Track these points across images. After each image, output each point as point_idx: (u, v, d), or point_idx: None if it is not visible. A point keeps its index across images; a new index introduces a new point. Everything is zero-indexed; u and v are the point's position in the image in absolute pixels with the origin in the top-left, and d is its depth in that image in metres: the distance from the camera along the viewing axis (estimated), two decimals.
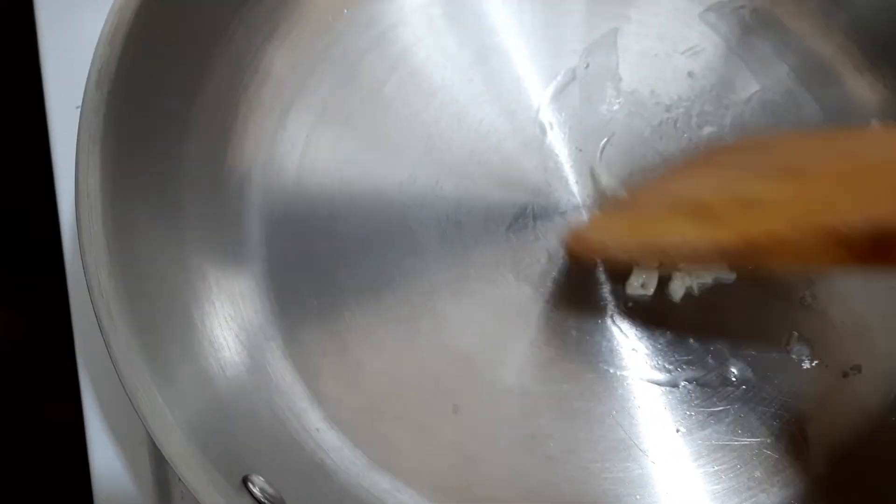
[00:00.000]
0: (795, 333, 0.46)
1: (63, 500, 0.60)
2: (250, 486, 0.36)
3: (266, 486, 0.37)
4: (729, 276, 0.47)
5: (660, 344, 0.46)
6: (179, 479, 0.44)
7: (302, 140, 0.49)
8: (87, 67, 0.38)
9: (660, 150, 0.49)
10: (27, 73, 0.53)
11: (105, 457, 0.46)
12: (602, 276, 0.47)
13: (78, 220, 0.37)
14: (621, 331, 0.46)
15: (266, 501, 0.36)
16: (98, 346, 0.45)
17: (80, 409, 0.47)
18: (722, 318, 0.47)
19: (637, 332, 0.46)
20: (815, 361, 0.46)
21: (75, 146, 0.37)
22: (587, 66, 0.51)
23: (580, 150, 0.49)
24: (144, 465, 0.46)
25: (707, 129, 0.50)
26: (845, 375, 0.46)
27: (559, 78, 0.51)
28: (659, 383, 0.46)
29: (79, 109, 0.38)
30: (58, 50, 0.51)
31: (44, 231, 0.54)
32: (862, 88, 0.50)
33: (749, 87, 0.51)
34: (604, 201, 0.48)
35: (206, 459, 0.36)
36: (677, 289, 0.46)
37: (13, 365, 0.80)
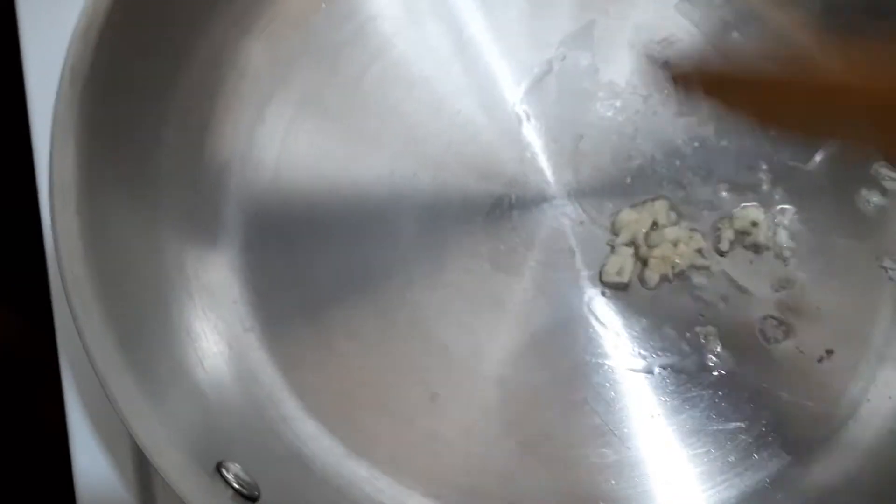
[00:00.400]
0: (770, 319, 0.47)
1: (45, 495, 0.60)
2: (224, 472, 0.37)
3: (241, 473, 0.37)
4: (704, 263, 0.47)
5: (635, 331, 0.47)
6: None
7: (280, 133, 0.49)
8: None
9: (636, 140, 0.50)
10: (8, 68, 0.53)
11: (87, 450, 0.46)
12: (578, 264, 0.47)
13: (52, 212, 0.37)
14: (597, 318, 0.47)
15: (239, 487, 0.37)
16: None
17: (63, 404, 0.48)
18: (697, 305, 0.47)
19: (613, 320, 0.47)
20: (790, 346, 0.46)
21: (49, 143, 0.38)
22: (564, 57, 0.51)
23: (556, 141, 0.50)
24: (126, 459, 0.46)
25: (683, 118, 0.50)
26: (820, 360, 0.46)
27: (536, 70, 0.51)
28: (635, 370, 0.46)
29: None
30: (39, 45, 0.52)
31: (27, 229, 0.54)
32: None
33: None
34: None
35: (181, 447, 0.36)
36: (652, 276, 0.47)
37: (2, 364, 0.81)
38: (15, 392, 0.81)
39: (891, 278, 0.47)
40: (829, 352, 0.46)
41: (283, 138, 0.49)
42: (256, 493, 0.38)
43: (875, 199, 0.49)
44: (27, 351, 0.81)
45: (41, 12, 0.52)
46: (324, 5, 0.51)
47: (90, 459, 0.46)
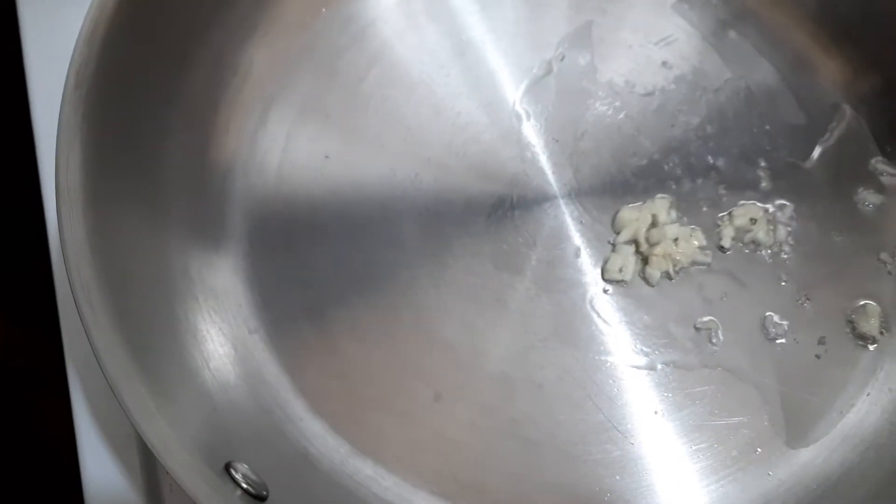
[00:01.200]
0: (771, 315, 0.47)
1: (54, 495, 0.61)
2: (232, 472, 0.37)
3: (249, 473, 0.38)
4: (704, 260, 0.48)
5: (638, 328, 0.47)
6: (168, 473, 0.46)
7: (283, 137, 0.50)
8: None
9: (636, 138, 0.50)
10: (11, 78, 0.53)
11: (94, 454, 0.47)
12: (580, 263, 0.48)
13: (59, 216, 0.37)
14: (600, 316, 0.47)
15: (248, 487, 0.37)
16: (86, 344, 0.47)
17: (70, 410, 0.48)
18: (697, 302, 0.47)
19: (615, 317, 0.47)
20: (791, 342, 0.47)
21: (55, 147, 0.38)
22: (562, 58, 0.52)
23: (557, 141, 0.50)
24: (134, 461, 0.47)
25: (682, 116, 0.51)
26: (819, 355, 0.47)
27: (535, 70, 0.52)
28: (637, 366, 0.46)
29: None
30: (41, 53, 0.52)
31: (32, 236, 0.55)
32: (829, 70, 0.51)
33: (722, 75, 0.52)
34: None
35: (190, 447, 0.36)
36: (654, 273, 0.47)
37: (5, 370, 0.81)
38: (19, 400, 0.81)
39: (889, 272, 0.48)
40: (823, 342, 0.46)
41: (285, 141, 0.50)
42: (265, 492, 0.38)
43: (872, 195, 0.49)
44: (28, 359, 0.82)
45: (43, 19, 0.52)
46: (324, 10, 0.52)
47: (98, 466, 0.46)
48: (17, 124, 0.53)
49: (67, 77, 0.39)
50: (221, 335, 0.45)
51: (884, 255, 0.48)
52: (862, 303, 0.47)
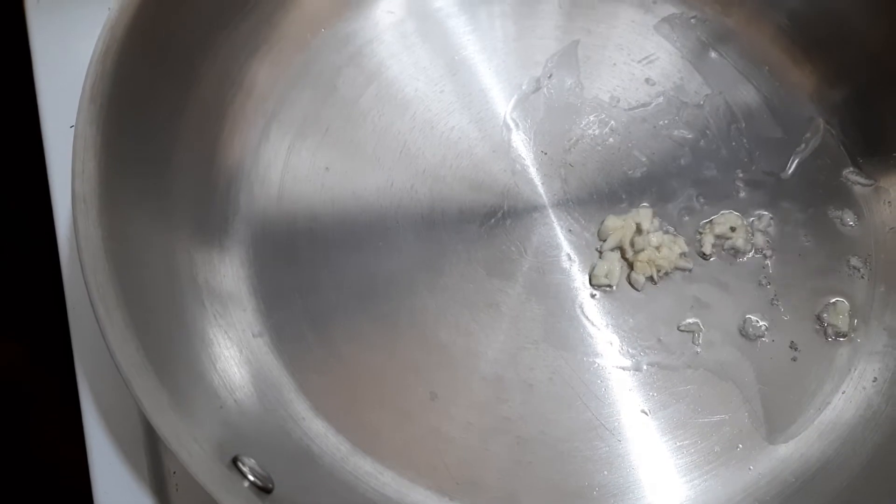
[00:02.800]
0: (750, 317, 0.50)
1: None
2: (240, 465, 0.39)
3: (255, 467, 0.39)
4: (686, 266, 0.50)
5: (624, 330, 0.49)
6: (174, 472, 0.48)
7: (284, 149, 0.52)
8: (79, 90, 0.41)
9: (620, 151, 0.53)
10: (22, 98, 0.55)
11: (103, 454, 0.48)
12: (569, 269, 0.50)
13: (75, 222, 0.39)
14: (588, 319, 0.49)
15: (255, 479, 0.39)
16: (96, 354, 0.49)
17: (73, 430, 0.49)
18: (681, 305, 0.50)
19: (602, 321, 0.49)
20: (769, 342, 0.49)
21: (71, 156, 0.40)
22: (550, 75, 0.54)
23: (545, 153, 0.53)
24: (141, 462, 0.48)
25: (665, 130, 0.53)
26: (795, 356, 0.49)
27: (524, 87, 0.54)
28: (624, 367, 0.49)
29: (73, 128, 0.41)
30: (51, 73, 0.54)
31: (38, 256, 0.56)
32: (803, 85, 0.54)
33: (702, 91, 0.54)
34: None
35: (200, 441, 0.38)
36: (639, 278, 0.50)
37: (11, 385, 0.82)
38: (23, 419, 0.82)
39: (861, 276, 0.50)
40: (799, 342, 0.49)
41: (286, 154, 0.52)
42: (270, 485, 0.40)
43: (844, 206, 0.52)
44: (29, 376, 0.83)
45: (53, 37, 0.54)
46: (324, 30, 0.55)
47: (105, 460, 0.48)
48: (27, 148, 0.55)
49: (83, 91, 0.41)
50: (227, 338, 0.47)
51: (854, 261, 0.51)
52: (833, 300, 0.50)
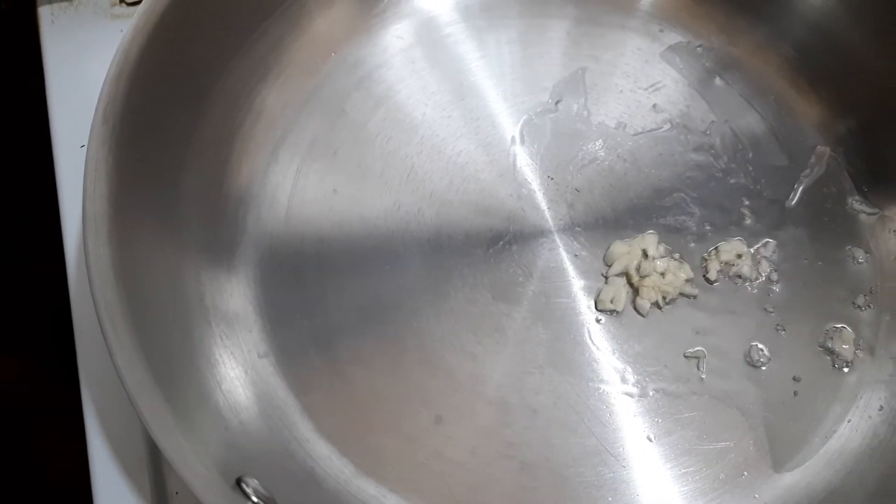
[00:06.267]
0: (756, 344, 0.50)
1: None
2: (244, 486, 0.39)
3: (259, 488, 0.39)
4: (692, 292, 0.50)
5: (629, 356, 0.49)
6: (177, 493, 0.48)
7: (293, 172, 0.52)
8: (91, 110, 0.42)
9: (626, 177, 0.53)
10: (35, 117, 0.56)
11: (106, 474, 0.48)
12: (574, 294, 0.50)
13: (85, 241, 0.40)
14: (593, 344, 0.49)
15: (258, 501, 0.39)
16: (99, 370, 0.49)
17: (73, 451, 0.49)
18: (686, 331, 0.50)
19: (608, 346, 0.50)
20: (774, 370, 0.49)
21: (82, 176, 0.41)
22: (557, 101, 0.55)
23: (552, 179, 0.53)
24: (144, 482, 0.48)
25: (671, 157, 0.54)
26: (799, 384, 0.49)
27: (531, 113, 0.55)
28: (629, 393, 0.48)
29: (84, 148, 0.41)
30: (64, 93, 0.55)
31: (48, 269, 0.57)
32: (809, 114, 0.55)
33: (707, 118, 0.55)
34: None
35: (204, 461, 0.38)
36: (644, 304, 0.50)
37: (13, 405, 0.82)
38: (26, 441, 0.83)
39: (868, 305, 0.50)
40: (805, 370, 0.49)
41: (294, 177, 0.52)
42: None
43: (851, 238, 0.52)
44: (29, 397, 0.83)
45: (66, 57, 0.55)
46: (333, 55, 0.55)
47: (107, 477, 0.48)
48: (38, 169, 0.55)
49: (95, 113, 0.42)
50: (233, 359, 0.47)
51: (860, 289, 0.51)
52: (839, 328, 0.50)
